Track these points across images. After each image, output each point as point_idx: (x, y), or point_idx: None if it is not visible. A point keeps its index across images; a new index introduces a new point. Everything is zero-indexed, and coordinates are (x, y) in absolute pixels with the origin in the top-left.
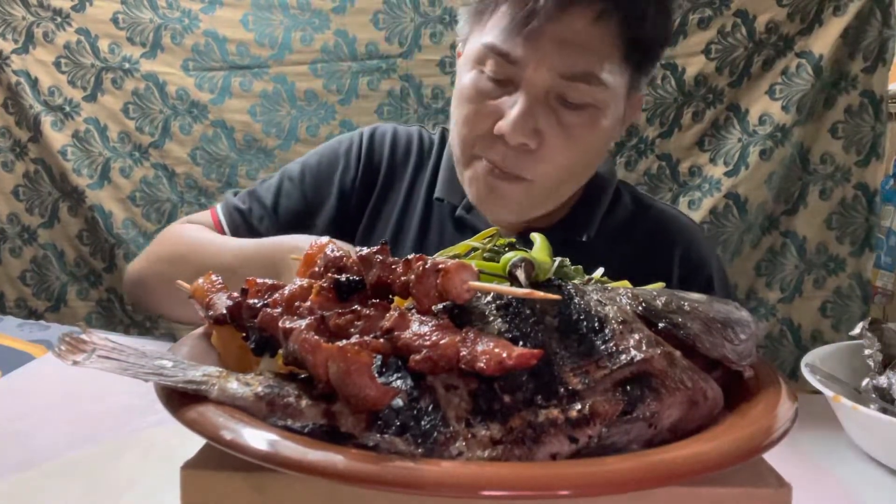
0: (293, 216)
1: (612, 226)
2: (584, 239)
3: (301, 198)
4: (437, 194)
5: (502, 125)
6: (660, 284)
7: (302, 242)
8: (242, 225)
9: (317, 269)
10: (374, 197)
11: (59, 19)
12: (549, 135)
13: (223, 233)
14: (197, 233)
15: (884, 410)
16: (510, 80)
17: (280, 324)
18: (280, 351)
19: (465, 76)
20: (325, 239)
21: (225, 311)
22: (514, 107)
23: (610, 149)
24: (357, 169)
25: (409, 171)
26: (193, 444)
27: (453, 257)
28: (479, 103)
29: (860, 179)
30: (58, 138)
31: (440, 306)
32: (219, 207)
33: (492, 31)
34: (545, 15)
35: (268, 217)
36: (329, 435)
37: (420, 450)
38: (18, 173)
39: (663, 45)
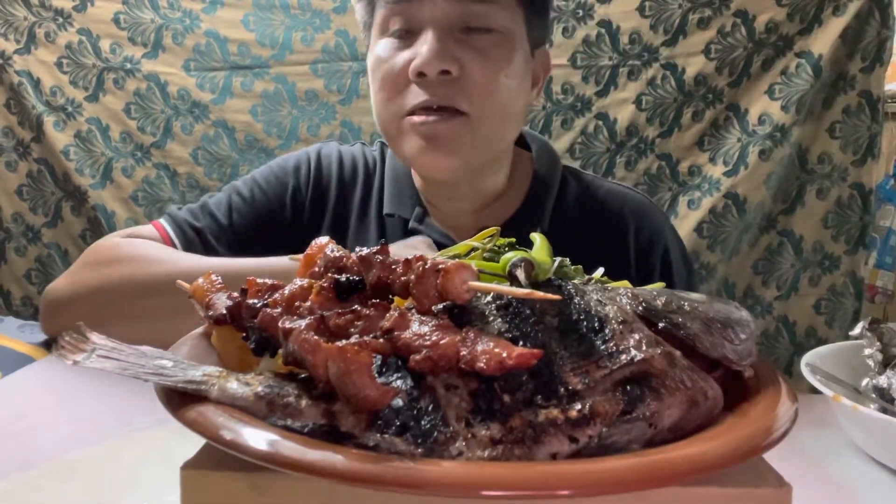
0: (249, 233)
1: (563, 213)
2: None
3: (254, 216)
4: (386, 210)
5: (417, 62)
6: (660, 284)
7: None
8: (197, 240)
9: (317, 269)
10: (327, 218)
11: (60, 19)
12: (466, 59)
13: (174, 248)
14: (132, 246)
15: (884, 410)
16: (414, 28)
17: (280, 324)
18: (280, 351)
19: (375, 48)
20: (324, 239)
21: (225, 312)
22: (424, 45)
23: (530, 104)
24: (307, 188)
25: (359, 190)
26: (193, 444)
27: (453, 257)
28: (391, 61)
29: (856, 179)
30: (60, 138)
31: (440, 306)
32: (163, 222)
33: None
34: None
35: (224, 234)
36: (329, 435)
37: (420, 450)
38: (22, 173)
39: None
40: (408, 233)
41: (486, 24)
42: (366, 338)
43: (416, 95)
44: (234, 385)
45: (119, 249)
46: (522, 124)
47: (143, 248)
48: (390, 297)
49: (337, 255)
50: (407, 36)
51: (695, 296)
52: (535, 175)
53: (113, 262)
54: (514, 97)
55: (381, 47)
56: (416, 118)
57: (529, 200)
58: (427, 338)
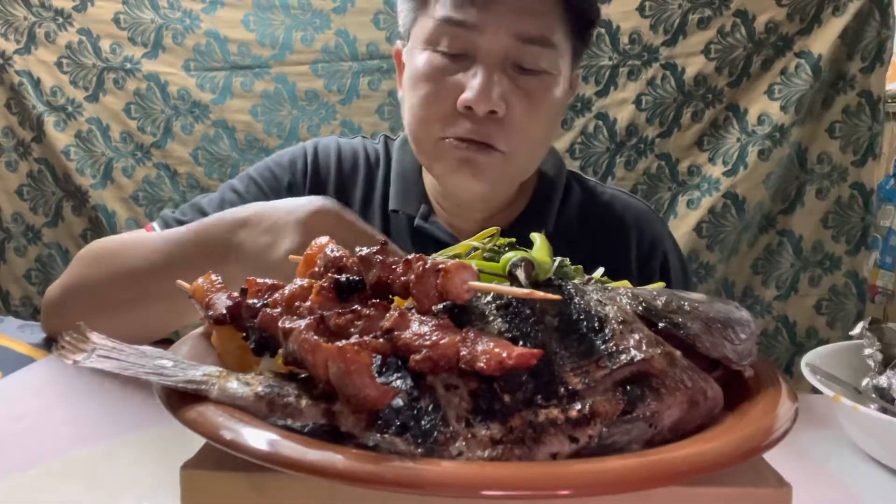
0: None
1: (567, 217)
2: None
3: None
4: (391, 206)
5: (468, 96)
6: (660, 284)
7: (245, 212)
8: None
9: (317, 269)
10: None
11: (60, 19)
12: (512, 101)
13: None
14: (119, 236)
15: (884, 410)
16: (465, 53)
17: (280, 324)
18: (280, 351)
19: (418, 58)
20: (324, 239)
21: (224, 311)
22: (475, 77)
23: (557, 133)
24: (304, 182)
25: (360, 184)
26: (193, 444)
27: (453, 257)
28: (437, 82)
29: (856, 179)
30: (60, 138)
31: (440, 306)
32: (155, 223)
33: (443, 6)
34: None
35: None
36: (329, 435)
37: (420, 450)
38: (22, 173)
39: (597, 18)
40: (413, 230)
41: (537, 66)
42: (366, 338)
43: (458, 125)
44: (234, 385)
45: (105, 245)
46: (549, 146)
47: (122, 240)
48: (390, 297)
49: (337, 254)
50: (456, 58)
51: (695, 296)
52: (540, 179)
53: (100, 258)
54: (549, 132)
55: (424, 61)
56: (454, 142)
57: (534, 204)
58: (427, 338)
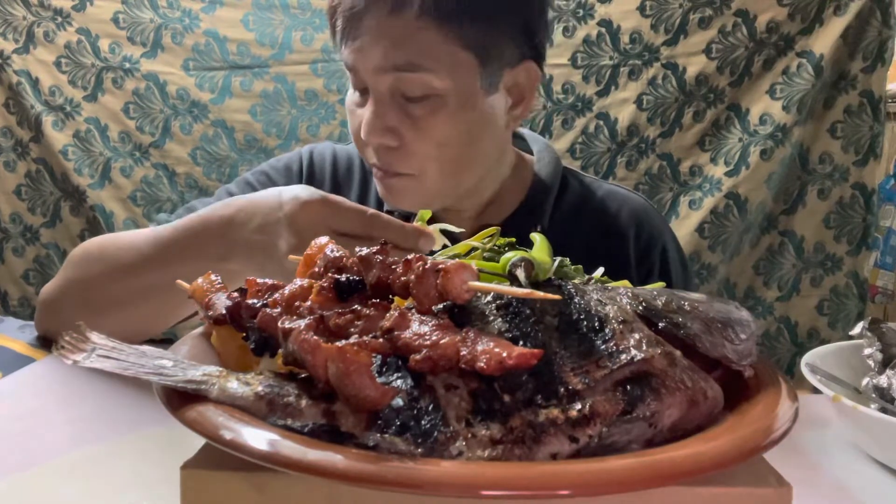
0: None
1: (563, 213)
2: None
3: None
4: (386, 206)
5: (360, 131)
6: (660, 284)
7: (229, 210)
8: None
9: (316, 269)
10: None
11: (59, 19)
12: (401, 130)
13: None
14: (107, 235)
15: (884, 410)
16: (364, 88)
17: (279, 324)
18: (280, 351)
19: (347, 94)
20: (324, 239)
21: (224, 312)
22: (366, 113)
23: (510, 128)
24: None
25: (356, 188)
26: (193, 444)
27: (453, 257)
28: (353, 116)
29: (858, 179)
30: (59, 138)
31: (440, 306)
32: (150, 228)
33: (339, 45)
34: (354, 20)
35: None
36: (329, 435)
37: (420, 450)
38: (20, 173)
39: (499, 15)
40: None
41: (421, 92)
42: (365, 338)
43: (370, 155)
44: (234, 385)
45: (94, 245)
46: (499, 153)
47: (111, 239)
48: (390, 297)
49: (337, 255)
50: (362, 93)
51: (695, 296)
52: (534, 177)
53: (89, 258)
54: (467, 149)
55: (348, 96)
56: (374, 169)
57: (527, 203)
58: (427, 338)
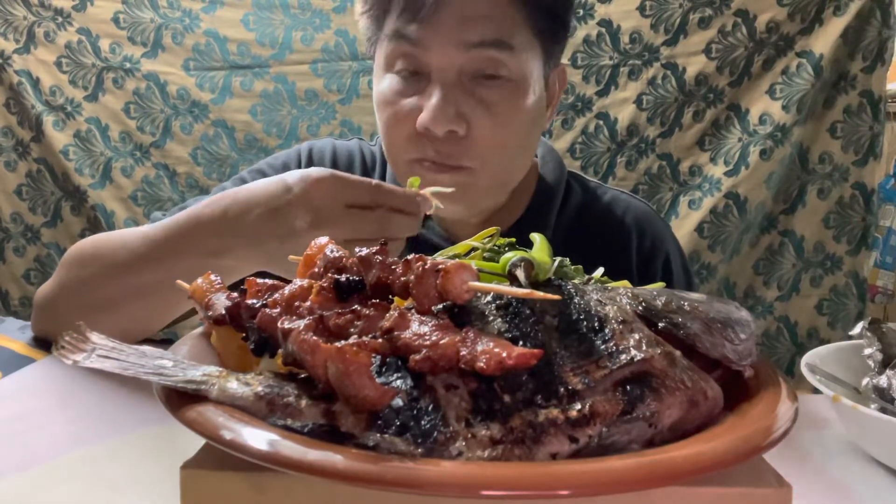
0: None
1: (566, 219)
2: None
3: None
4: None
5: (423, 118)
6: (660, 284)
7: (220, 204)
8: None
9: (316, 269)
10: None
11: (60, 19)
12: (473, 116)
13: None
14: (100, 235)
15: (884, 410)
16: (421, 71)
17: (279, 324)
18: (280, 351)
19: (380, 82)
20: (324, 239)
21: (223, 312)
22: (430, 98)
23: (544, 129)
24: None
25: None
26: (193, 444)
27: (453, 257)
28: (397, 105)
29: (858, 179)
30: (59, 138)
31: (440, 306)
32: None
33: (391, 22)
34: None
35: None
36: (329, 435)
37: (420, 450)
38: (21, 173)
39: (567, 10)
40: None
41: (498, 72)
42: (365, 338)
43: (420, 147)
44: (234, 385)
45: (88, 244)
46: (534, 152)
47: (104, 238)
48: (390, 297)
49: (336, 255)
50: (413, 77)
51: (695, 296)
52: (539, 182)
53: (84, 258)
54: (524, 140)
55: (386, 84)
56: (420, 165)
57: (533, 209)
58: (427, 338)
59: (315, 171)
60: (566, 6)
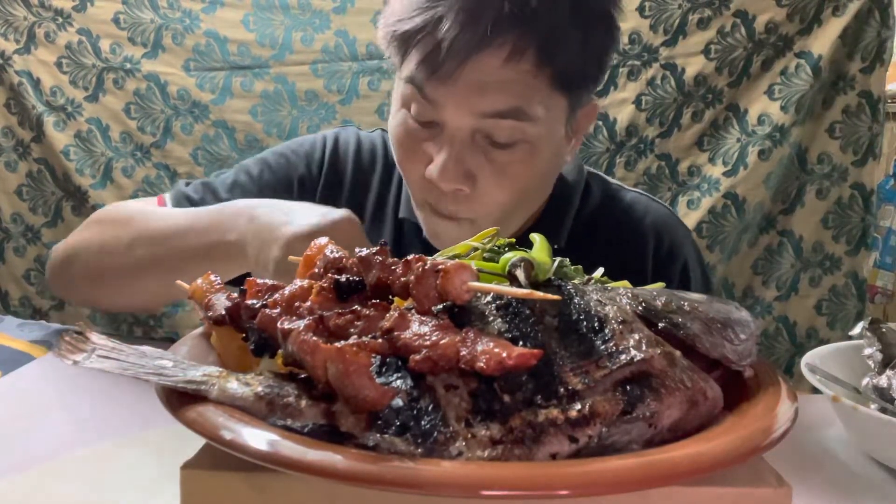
0: None
1: (582, 223)
2: (554, 248)
3: (258, 194)
4: (401, 213)
5: (431, 171)
6: (660, 284)
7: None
8: None
9: (316, 269)
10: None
11: (60, 19)
12: (481, 176)
13: None
14: (132, 205)
15: (884, 410)
16: (434, 121)
17: (279, 325)
18: (280, 351)
19: (395, 116)
20: (324, 240)
21: (224, 312)
22: (440, 152)
23: (566, 162)
24: (320, 173)
25: (376, 184)
26: (193, 444)
27: (453, 257)
28: (409, 147)
29: (857, 179)
30: (60, 138)
31: (440, 307)
32: (167, 195)
33: (409, 67)
34: (455, 57)
35: None
36: (329, 435)
37: (420, 450)
38: (22, 173)
39: (601, 65)
40: (422, 241)
41: (511, 139)
42: (365, 338)
43: (427, 192)
44: (234, 385)
45: (120, 211)
46: (552, 183)
47: (131, 207)
48: (390, 297)
49: (336, 255)
50: (426, 125)
51: (694, 296)
52: (558, 182)
53: (118, 218)
54: (538, 185)
55: (400, 121)
56: (429, 206)
57: (546, 217)
58: (427, 338)
59: (348, 212)
60: (596, 65)
